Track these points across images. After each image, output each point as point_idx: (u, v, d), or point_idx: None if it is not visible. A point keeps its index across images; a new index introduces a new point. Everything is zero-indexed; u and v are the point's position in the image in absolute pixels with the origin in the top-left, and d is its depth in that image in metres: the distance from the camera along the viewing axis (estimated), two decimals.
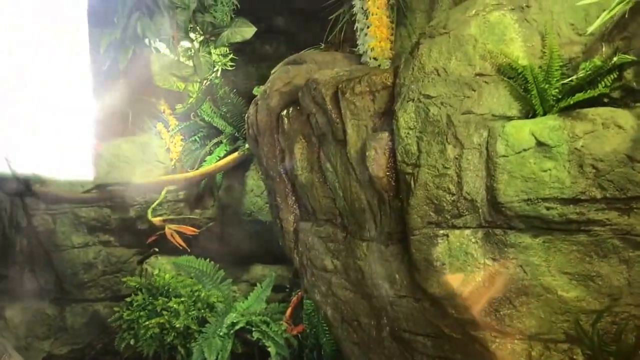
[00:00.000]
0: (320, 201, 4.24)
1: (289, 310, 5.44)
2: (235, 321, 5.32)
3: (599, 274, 2.90)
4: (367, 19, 4.41)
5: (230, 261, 6.64)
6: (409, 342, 3.68)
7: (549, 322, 3.04)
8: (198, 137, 6.68)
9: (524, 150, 2.96)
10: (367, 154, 3.61)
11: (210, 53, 5.44)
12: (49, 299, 6.76)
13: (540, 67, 3.05)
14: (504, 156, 3.00)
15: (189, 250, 6.14)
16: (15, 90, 5.59)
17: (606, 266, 2.88)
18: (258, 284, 5.95)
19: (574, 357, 2.91)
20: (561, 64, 3.01)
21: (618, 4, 2.72)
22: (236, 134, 6.66)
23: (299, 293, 5.54)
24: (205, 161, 6.49)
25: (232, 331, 5.30)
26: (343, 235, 4.13)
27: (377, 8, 4.27)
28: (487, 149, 3.09)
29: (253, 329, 5.31)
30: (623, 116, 2.81)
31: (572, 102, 2.92)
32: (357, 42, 4.63)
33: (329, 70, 4.20)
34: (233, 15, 5.54)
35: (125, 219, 6.49)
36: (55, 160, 6.11)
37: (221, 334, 5.26)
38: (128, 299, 5.86)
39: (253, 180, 6.65)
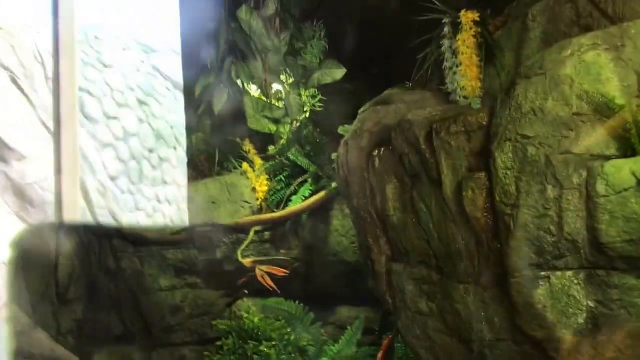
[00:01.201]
0: (414, 242, 4.55)
1: (380, 354, 5.72)
2: None
3: None
4: (455, 57, 4.75)
5: (315, 302, 6.94)
6: None
7: None
8: (283, 176, 7.14)
9: (625, 189, 3.20)
10: (463, 194, 3.92)
11: (300, 95, 5.92)
12: (136, 343, 7.23)
13: (637, 105, 3.30)
14: (604, 196, 3.25)
15: (278, 292, 6.53)
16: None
17: None
18: (348, 327, 6.25)
19: None
20: None
21: None
22: (319, 173, 7.07)
23: (390, 336, 5.81)
24: (290, 200, 6.93)
25: None
26: (438, 277, 4.41)
27: (467, 47, 4.61)
28: (586, 188, 3.35)
29: None
30: None
31: None
32: (445, 81, 4.97)
33: (420, 110, 4.56)
34: (322, 57, 6.02)
35: (212, 260, 6.95)
36: (148, 203, 6.68)
37: None
38: (218, 343, 6.28)
39: (337, 219, 7.00)
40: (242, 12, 5.83)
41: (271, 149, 7.04)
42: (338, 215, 7.01)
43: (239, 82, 5.86)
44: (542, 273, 3.50)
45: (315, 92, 6.14)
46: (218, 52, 5.73)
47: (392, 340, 5.76)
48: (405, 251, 4.71)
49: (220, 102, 5.84)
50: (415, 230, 4.54)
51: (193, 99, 6.20)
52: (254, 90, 6.02)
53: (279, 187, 7.13)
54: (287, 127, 6.49)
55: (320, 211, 7.07)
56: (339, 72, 5.91)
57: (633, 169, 3.20)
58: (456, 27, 4.92)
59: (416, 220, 4.51)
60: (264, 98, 6.06)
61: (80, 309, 6.37)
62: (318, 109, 6.43)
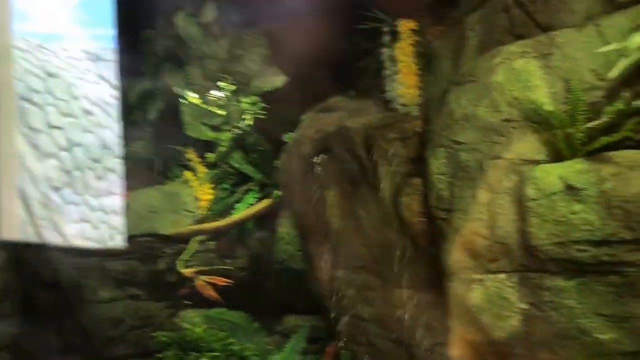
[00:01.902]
0: (355, 248, 4.63)
1: None
2: None
3: (633, 315, 3.20)
4: (395, 66, 4.87)
5: (262, 312, 6.95)
6: None
7: None
8: (227, 184, 7.14)
9: (554, 193, 3.32)
10: (400, 199, 4.01)
11: (239, 102, 5.95)
12: (76, 357, 7.11)
13: (565, 112, 3.44)
14: (534, 200, 3.37)
15: (222, 302, 6.52)
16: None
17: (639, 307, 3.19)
18: (292, 336, 6.28)
19: None
20: (585, 108, 3.39)
21: (635, 50, 3.11)
22: (265, 181, 7.09)
23: (335, 344, 5.85)
24: (235, 209, 6.93)
25: None
26: (379, 282, 4.49)
27: (405, 55, 4.73)
28: (517, 193, 3.47)
29: None
30: None
31: (597, 146, 3.29)
32: (386, 89, 5.09)
33: (360, 117, 4.65)
34: (263, 64, 6.07)
35: (154, 271, 6.91)
36: (84, 213, 6.59)
37: None
38: (159, 355, 6.23)
39: (284, 228, 7.02)
40: (180, 19, 5.82)
41: (209, 156, 7.03)
42: (285, 223, 7.03)
43: (176, 89, 5.84)
44: (477, 276, 3.60)
45: (256, 99, 6.18)
46: (154, 58, 5.70)
47: (336, 347, 5.80)
48: (347, 257, 4.78)
49: (156, 109, 5.82)
50: (356, 236, 4.62)
51: (130, 107, 6.16)
52: (192, 97, 6.02)
53: (223, 196, 7.12)
54: (227, 134, 6.50)
55: (266, 219, 7.09)
56: (279, 80, 5.97)
57: (561, 174, 3.32)
58: (395, 35, 5.04)
59: (357, 227, 4.59)
60: (202, 105, 6.06)
61: (17, 323, 6.26)
62: (261, 116, 6.46)
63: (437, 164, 3.78)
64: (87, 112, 6.13)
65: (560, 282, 3.36)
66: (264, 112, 6.48)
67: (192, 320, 6.58)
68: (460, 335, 3.74)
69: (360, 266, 4.65)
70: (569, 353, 3.37)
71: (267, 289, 7.07)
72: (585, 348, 3.31)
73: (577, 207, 3.25)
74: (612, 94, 3.38)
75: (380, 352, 4.55)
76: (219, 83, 5.95)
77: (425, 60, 4.85)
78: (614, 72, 3.23)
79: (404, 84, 4.81)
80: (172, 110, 6.47)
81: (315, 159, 4.95)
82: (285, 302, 7.04)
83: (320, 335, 6.60)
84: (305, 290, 6.04)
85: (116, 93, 6.09)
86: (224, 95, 6.08)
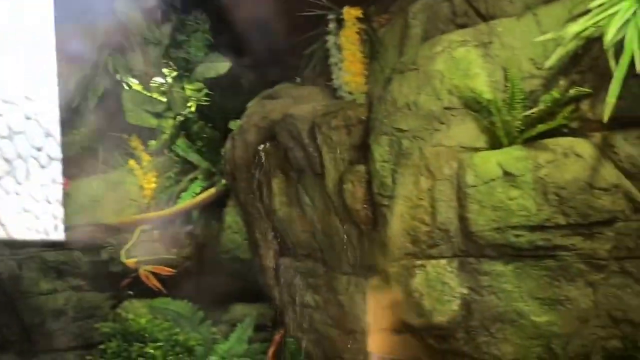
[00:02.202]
0: (300, 236, 4.65)
1: (270, 350, 5.77)
2: None
3: (567, 298, 3.32)
4: (340, 54, 4.89)
5: (209, 301, 6.90)
6: None
7: (523, 348, 3.43)
8: (173, 173, 7.05)
9: (492, 180, 3.40)
10: (344, 186, 4.04)
11: (183, 88, 5.88)
12: (15, 351, 6.96)
13: (503, 100, 3.52)
14: (473, 186, 3.45)
15: (165, 292, 6.46)
16: None
17: (574, 290, 3.30)
18: (239, 325, 6.27)
19: None
20: (523, 97, 3.48)
21: (571, 40, 3.20)
22: (212, 169, 7.03)
23: (282, 331, 5.87)
24: (180, 198, 6.85)
25: None
26: (323, 269, 4.53)
27: (351, 43, 4.75)
28: (457, 179, 3.54)
29: None
30: (581, 145, 3.27)
31: (534, 133, 3.39)
32: (332, 77, 5.10)
33: (305, 104, 4.66)
34: (207, 51, 6.00)
35: (96, 262, 6.78)
36: (22, 203, 6.42)
37: None
38: (102, 347, 6.14)
39: (231, 216, 6.97)
40: (120, 3, 5.70)
41: (151, 143, 6.93)
42: (232, 212, 6.98)
43: (117, 75, 5.73)
44: (418, 262, 3.66)
45: (201, 86, 6.12)
46: (94, 43, 5.58)
47: (283, 335, 5.82)
48: (292, 245, 4.80)
49: (95, 96, 5.70)
50: (301, 224, 4.64)
51: (69, 94, 6.02)
52: (134, 83, 5.91)
53: (168, 184, 7.03)
54: (170, 121, 6.42)
55: (212, 208, 7.04)
56: (223, 66, 5.92)
57: (499, 160, 3.41)
58: (341, 23, 5.05)
59: (302, 214, 4.61)
60: (144, 92, 5.96)
61: None
62: (205, 103, 6.40)
63: (380, 151, 3.82)
64: (29, 99, 5.94)
65: (498, 266, 3.45)
66: (208, 99, 6.42)
67: (136, 311, 6.49)
68: (402, 320, 3.80)
69: (305, 254, 4.68)
70: (506, 336, 3.46)
71: (213, 278, 7.03)
72: (522, 330, 3.42)
73: (514, 193, 3.34)
74: (549, 83, 3.48)
75: (324, 338, 4.60)
76: (162, 69, 5.86)
77: (371, 48, 4.88)
78: (550, 61, 3.32)
79: (349, 71, 4.83)
80: (115, 97, 6.34)
81: (260, 147, 4.95)
82: (231, 292, 7.00)
83: (267, 324, 6.61)
84: (252, 279, 6.05)
85: (57, 79, 5.93)
86: (166, 82, 5.99)
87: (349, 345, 4.33)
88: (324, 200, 4.30)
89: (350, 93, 4.86)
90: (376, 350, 4.10)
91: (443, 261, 3.62)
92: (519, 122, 3.47)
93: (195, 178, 7.08)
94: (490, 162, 3.43)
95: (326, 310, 4.51)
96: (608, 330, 3.26)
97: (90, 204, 6.83)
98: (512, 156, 3.38)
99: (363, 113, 4.11)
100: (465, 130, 3.63)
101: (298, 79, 5.60)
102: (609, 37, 2.96)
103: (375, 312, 4.07)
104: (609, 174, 3.19)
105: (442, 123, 3.65)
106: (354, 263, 4.18)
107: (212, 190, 6.77)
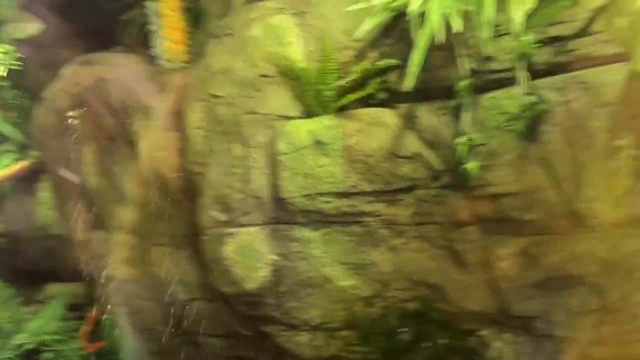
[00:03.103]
0: (112, 207, 4.24)
1: (84, 327, 5.30)
2: (23, 342, 5.08)
3: (372, 262, 3.26)
4: (160, 21, 4.50)
5: (23, 280, 6.27)
6: (204, 346, 3.81)
7: (330, 312, 3.34)
8: None
9: (304, 147, 3.26)
10: (158, 154, 3.70)
11: None
12: None
13: (317, 70, 3.36)
14: (285, 154, 3.28)
15: None
16: None
17: (377, 254, 3.25)
18: (51, 302, 5.72)
19: (351, 342, 3.23)
20: (336, 67, 3.36)
21: (380, 11, 3.11)
22: (28, 141, 6.33)
23: (97, 308, 5.41)
24: None
25: (18, 353, 5.05)
26: (138, 241, 4.16)
27: (171, 10, 4.39)
28: (271, 147, 3.34)
29: (46, 349, 5.11)
30: (388, 115, 3.21)
31: (344, 103, 3.28)
32: (151, 44, 4.69)
33: (119, 70, 4.23)
34: (17, 10, 5.31)
35: None
36: None
37: (6, 356, 4.99)
38: None
39: (45, 192, 6.33)
40: None
41: None
42: (46, 187, 6.35)
43: None
44: (230, 230, 3.45)
45: (10, 48, 5.41)
46: None
47: (99, 312, 5.36)
48: (105, 217, 4.37)
49: None
50: (114, 195, 4.23)
51: None
52: None
53: None
54: None
55: (26, 183, 6.34)
56: (34, 27, 5.27)
57: (311, 129, 3.27)
58: None
59: (114, 184, 4.20)
60: None
61: None
62: (16, 67, 5.68)
63: (195, 118, 3.54)
64: None
65: (308, 233, 3.33)
66: (20, 63, 5.71)
67: None
68: (214, 288, 3.56)
69: (117, 225, 4.27)
70: (314, 300, 3.35)
71: (26, 256, 6.37)
72: (329, 295, 3.32)
73: (324, 160, 3.23)
74: (361, 54, 3.38)
75: (139, 311, 4.24)
76: None
77: (193, 16, 4.54)
78: (360, 32, 3.21)
79: (169, 39, 4.46)
80: None
81: (70, 114, 4.44)
82: (46, 270, 6.40)
83: (82, 301, 6.10)
84: (67, 257, 5.52)
85: None
86: None
87: (158, 315, 4.01)
88: (136, 170, 3.93)
89: (170, 61, 4.48)
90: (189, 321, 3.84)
91: (255, 229, 3.43)
92: (332, 92, 3.34)
93: (8, 151, 6.33)
94: (302, 130, 3.29)
95: (140, 282, 4.14)
96: (407, 293, 3.24)
97: None
98: (323, 125, 3.26)
99: (179, 79, 3.79)
100: (280, 99, 3.45)
101: (116, 47, 5.11)
102: (413, 7, 2.90)
103: (188, 282, 3.79)
104: (412, 143, 3.15)
105: (258, 90, 3.44)
106: (168, 233, 3.86)
107: (25, 163, 6.08)
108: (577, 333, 2.79)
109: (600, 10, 2.02)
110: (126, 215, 4.18)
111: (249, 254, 3.41)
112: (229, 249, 3.44)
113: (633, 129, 1.84)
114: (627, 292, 2.65)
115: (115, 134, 4.07)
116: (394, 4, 3.09)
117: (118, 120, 3.99)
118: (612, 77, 2.58)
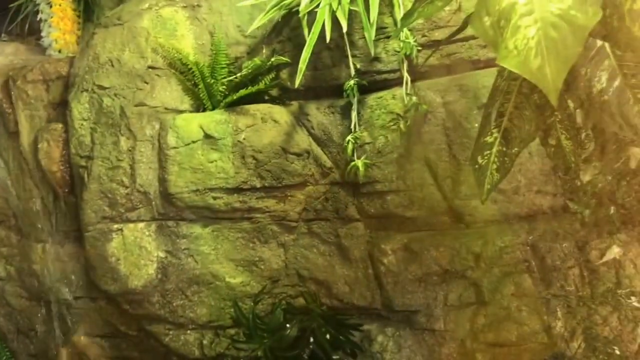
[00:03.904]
0: None
1: None
2: None
3: (261, 259, 3.21)
4: (50, 9, 4.26)
5: None
6: (86, 346, 3.62)
7: (218, 309, 3.26)
8: None
9: (193, 142, 3.16)
10: (39, 146, 3.50)
11: None
12: None
13: (208, 64, 3.28)
14: (174, 148, 3.17)
15: None
16: None
17: (267, 251, 3.20)
18: None
19: (239, 339, 3.16)
20: (228, 62, 3.29)
21: (271, 8, 3.08)
22: None
23: None
24: None
25: None
26: (17, 238, 3.91)
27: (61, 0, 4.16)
28: (159, 141, 3.24)
29: None
30: (279, 112, 3.18)
31: (235, 98, 3.22)
32: (42, 34, 4.44)
33: (1, 57, 3.97)
34: None
35: None
36: None
37: None
38: None
39: None
40: None
41: None
42: None
43: None
44: (115, 226, 3.30)
45: None
46: None
47: None
48: None
49: None
50: None
51: None
52: None
53: None
54: None
55: None
56: None
57: (201, 123, 3.19)
58: None
59: None
60: None
61: None
62: None
63: (80, 109, 3.36)
64: None
65: (196, 229, 3.24)
66: None
67: None
68: (98, 286, 3.39)
69: None
70: (201, 298, 3.26)
71: None
72: (217, 292, 3.25)
73: (214, 155, 3.15)
74: (253, 50, 3.34)
75: (17, 312, 3.98)
76: None
77: (84, 5, 4.33)
78: (251, 28, 3.16)
79: (58, 28, 4.23)
80: None
81: None
82: None
83: None
84: None
85: None
86: None
87: (39, 316, 3.78)
88: (18, 162, 3.70)
89: (59, 52, 4.25)
90: (71, 321, 3.64)
91: (141, 225, 3.30)
92: (223, 87, 3.28)
93: None
94: (193, 124, 3.19)
95: (20, 281, 3.89)
96: (296, 289, 3.21)
97: None
98: (214, 119, 3.18)
99: (64, 68, 3.60)
100: (169, 92, 3.34)
101: (4, 36, 4.80)
102: (303, 6, 2.88)
103: (70, 280, 3.59)
104: (302, 140, 3.14)
105: (146, 82, 3.31)
106: (50, 229, 3.64)
107: None
108: (455, 326, 2.86)
109: None
110: (7, 210, 3.91)
111: (135, 251, 3.27)
112: (113, 246, 3.29)
113: (499, 127, 1.89)
114: (501, 286, 2.75)
115: None
116: (286, 2, 3.07)
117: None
118: (488, 80, 2.67)
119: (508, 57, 1.54)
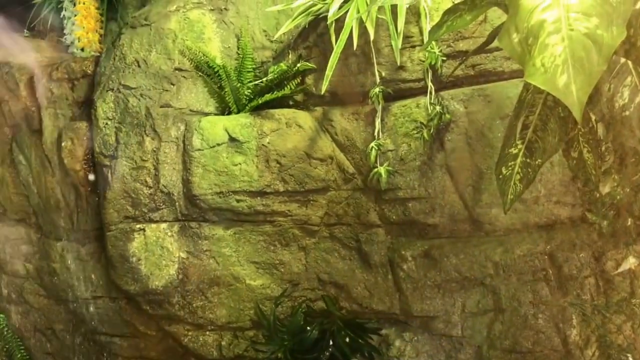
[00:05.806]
0: (12, 198, 4.17)
1: None
2: None
3: (282, 262, 3.39)
4: (74, 7, 4.47)
5: None
6: (104, 345, 3.81)
7: (237, 311, 3.45)
8: None
9: (218, 144, 3.35)
10: (62, 144, 3.70)
11: None
12: None
13: (235, 68, 3.48)
14: (199, 150, 3.36)
15: None
16: None
17: (288, 254, 3.39)
18: None
19: (257, 341, 3.34)
20: (254, 66, 3.49)
21: (299, 15, 3.27)
22: None
23: None
24: None
25: None
26: (37, 236, 4.11)
27: None
28: (183, 142, 3.43)
29: None
30: (303, 117, 3.36)
31: (261, 102, 3.41)
32: (65, 32, 4.65)
33: (25, 55, 4.17)
34: None
35: None
36: None
37: None
38: None
39: None
40: None
41: None
42: None
43: None
44: (138, 226, 3.49)
45: None
46: None
47: None
48: (3, 209, 4.28)
49: None
50: (14, 186, 4.16)
51: None
52: None
53: None
54: None
55: None
56: None
57: (226, 126, 3.37)
58: None
59: (15, 174, 4.14)
60: None
61: None
62: None
63: (105, 108, 3.56)
64: None
65: (218, 231, 3.41)
66: None
67: None
68: (118, 286, 3.58)
69: (17, 219, 4.19)
70: (221, 299, 3.44)
71: None
72: (237, 294, 3.43)
73: (239, 158, 3.33)
74: (279, 55, 3.52)
75: (35, 310, 4.18)
76: None
77: (109, 4, 4.53)
78: (278, 34, 3.35)
79: (82, 27, 4.43)
80: None
81: None
82: None
83: None
84: None
85: None
86: None
87: (57, 314, 3.98)
88: (40, 160, 3.90)
89: (82, 50, 4.45)
90: (90, 320, 3.83)
91: (164, 225, 3.49)
92: (249, 91, 3.46)
93: None
94: (218, 127, 3.38)
95: (39, 279, 4.09)
96: (316, 292, 3.39)
97: None
98: (239, 123, 3.36)
99: (89, 67, 3.80)
100: (195, 94, 3.53)
101: (26, 32, 5.01)
102: (332, 13, 3.07)
103: (90, 280, 3.78)
104: (326, 145, 3.32)
105: (172, 84, 3.51)
106: (71, 228, 3.84)
107: None
108: (472, 332, 3.03)
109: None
110: (27, 208, 4.11)
111: (156, 251, 3.46)
112: (135, 246, 3.48)
113: (524, 138, 2.06)
114: (518, 294, 2.92)
115: (20, 121, 4.01)
116: (314, 8, 3.26)
117: (23, 106, 3.93)
118: (511, 91, 2.86)
119: (535, 74, 1.71)
